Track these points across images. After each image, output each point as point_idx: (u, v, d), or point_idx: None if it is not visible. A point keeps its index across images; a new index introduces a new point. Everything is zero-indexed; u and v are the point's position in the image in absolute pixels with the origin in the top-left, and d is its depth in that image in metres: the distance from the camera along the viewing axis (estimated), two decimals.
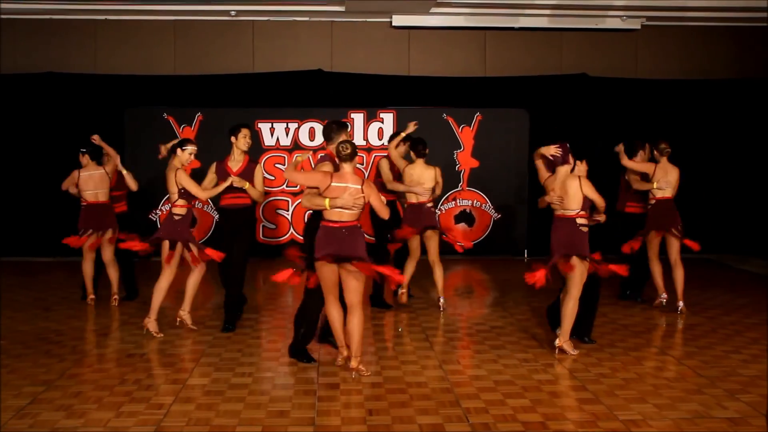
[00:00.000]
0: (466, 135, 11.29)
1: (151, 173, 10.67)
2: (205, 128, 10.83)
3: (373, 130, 11.10)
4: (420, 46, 11.57)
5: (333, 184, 5.39)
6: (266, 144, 11.03)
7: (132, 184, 7.97)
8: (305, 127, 11.07)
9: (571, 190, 5.94)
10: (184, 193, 6.50)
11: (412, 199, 7.48)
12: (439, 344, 6.42)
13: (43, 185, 10.78)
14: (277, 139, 11.06)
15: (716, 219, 11.55)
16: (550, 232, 6.10)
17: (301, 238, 7.38)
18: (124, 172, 7.88)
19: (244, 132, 6.89)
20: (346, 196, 5.36)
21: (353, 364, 5.47)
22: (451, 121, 11.27)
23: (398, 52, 11.56)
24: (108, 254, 7.80)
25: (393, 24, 11.29)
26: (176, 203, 6.54)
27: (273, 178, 11.01)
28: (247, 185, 6.65)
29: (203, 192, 6.54)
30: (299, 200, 6.07)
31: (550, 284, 6.07)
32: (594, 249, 6.03)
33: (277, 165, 11.05)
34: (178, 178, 6.46)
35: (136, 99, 11.04)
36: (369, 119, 11.14)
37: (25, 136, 10.97)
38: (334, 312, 5.59)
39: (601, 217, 6.07)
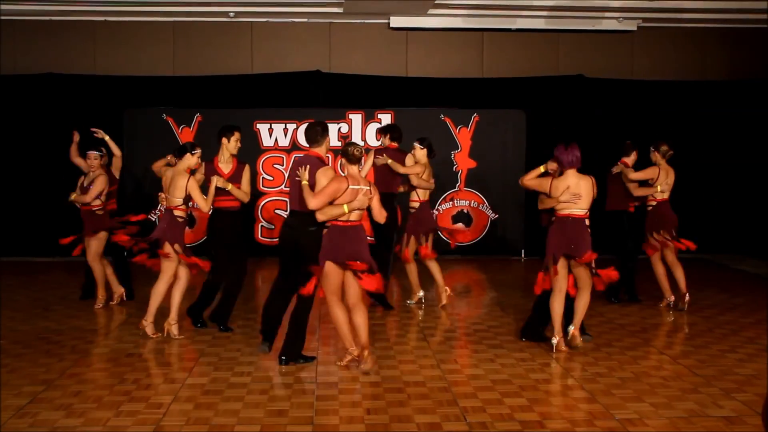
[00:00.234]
0: (463, 136, 11.32)
1: (150, 174, 10.68)
2: (204, 129, 10.84)
3: (371, 131, 11.12)
4: (418, 47, 11.61)
5: (351, 187, 5.49)
6: (265, 145, 11.06)
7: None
8: (303, 128, 11.06)
9: (584, 189, 6.02)
10: (188, 198, 6.49)
11: (421, 197, 7.60)
12: (436, 344, 6.44)
13: (43, 186, 10.80)
14: (276, 139, 11.09)
15: (712, 219, 11.61)
16: (552, 231, 6.11)
17: None
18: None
19: (237, 136, 6.80)
20: (362, 197, 5.51)
21: (366, 354, 5.58)
22: (448, 121, 11.31)
23: (396, 53, 11.59)
24: (92, 253, 7.68)
25: (391, 25, 11.32)
26: (179, 206, 6.49)
27: (271, 178, 11.04)
28: (230, 186, 6.58)
29: (207, 205, 6.45)
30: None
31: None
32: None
33: (275, 166, 11.07)
34: (190, 186, 6.39)
35: (135, 100, 11.06)
36: (367, 120, 11.17)
37: (25, 137, 10.98)
38: (340, 313, 5.63)
39: None
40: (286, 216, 5.86)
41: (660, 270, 7.81)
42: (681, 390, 5.21)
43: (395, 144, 7.67)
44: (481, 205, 11.44)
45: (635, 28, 11.47)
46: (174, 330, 6.56)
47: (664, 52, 11.82)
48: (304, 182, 5.54)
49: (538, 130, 11.21)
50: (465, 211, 11.44)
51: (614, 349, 6.29)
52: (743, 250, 11.53)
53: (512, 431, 4.47)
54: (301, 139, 11.01)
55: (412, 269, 7.81)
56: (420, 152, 7.56)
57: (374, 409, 4.82)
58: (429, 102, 11.34)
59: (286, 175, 6.03)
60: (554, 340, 6.09)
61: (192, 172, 6.60)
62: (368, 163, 7.45)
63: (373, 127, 11.14)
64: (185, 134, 10.97)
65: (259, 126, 11.04)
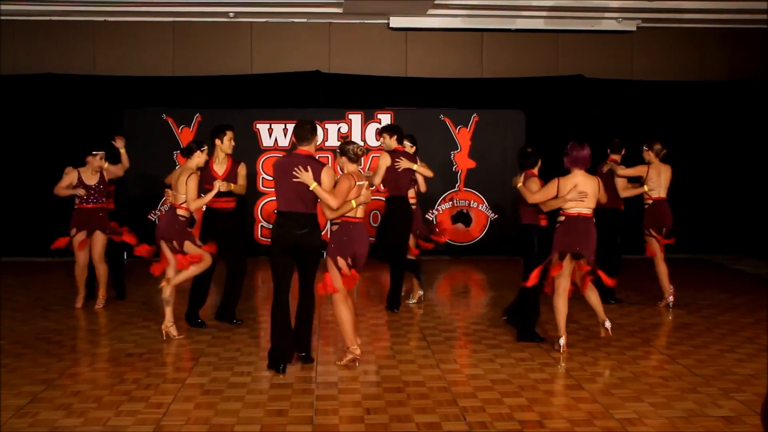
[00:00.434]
0: (463, 136, 11.34)
1: (150, 174, 10.70)
2: (204, 129, 10.84)
3: (371, 131, 11.14)
4: (417, 47, 11.62)
5: (357, 183, 5.58)
6: (264, 145, 11.07)
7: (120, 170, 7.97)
8: (292, 127, 11.10)
9: (591, 188, 6.09)
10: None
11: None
12: (436, 343, 6.45)
13: (42, 186, 10.77)
14: (275, 139, 11.10)
15: (710, 219, 11.64)
16: (561, 229, 6.12)
17: None
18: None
19: (230, 135, 6.81)
20: (366, 193, 5.63)
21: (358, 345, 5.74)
22: (448, 122, 11.32)
23: (396, 53, 11.60)
24: (96, 253, 7.68)
25: (390, 25, 11.33)
26: (182, 205, 6.46)
27: (271, 178, 10.99)
28: (232, 187, 6.62)
29: (194, 203, 6.40)
30: None
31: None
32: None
33: None
34: (188, 181, 6.38)
35: (135, 100, 11.07)
36: (367, 120, 11.18)
37: (25, 137, 10.99)
38: (346, 311, 5.68)
39: None
40: (280, 220, 5.62)
41: (662, 270, 7.87)
42: (680, 390, 5.22)
43: (401, 146, 7.62)
44: (480, 205, 11.45)
45: (635, 29, 11.49)
46: (172, 331, 6.56)
47: (663, 53, 11.83)
48: (314, 185, 5.48)
49: (538, 130, 11.23)
50: (464, 211, 11.45)
51: (613, 349, 6.30)
52: (742, 250, 11.55)
53: (512, 431, 4.48)
54: None
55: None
56: (411, 150, 7.65)
57: (374, 408, 4.83)
58: (428, 102, 11.35)
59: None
60: (562, 341, 6.12)
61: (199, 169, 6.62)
62: (404, 164, 7.48)
63: (372, 128, 11.15)
64: (185, 134, 10.98)
65: (258, 126, 11.05)
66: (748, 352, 6.18)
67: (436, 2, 10.22)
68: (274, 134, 11.07)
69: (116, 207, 8.24)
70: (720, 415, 4.73)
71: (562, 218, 6.18)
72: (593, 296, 6.26)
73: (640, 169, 7.85)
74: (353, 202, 5.56)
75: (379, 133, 7.82)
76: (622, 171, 7.83)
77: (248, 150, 10.61)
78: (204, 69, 11.27)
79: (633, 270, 8.95)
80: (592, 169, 7.85)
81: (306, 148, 5.65)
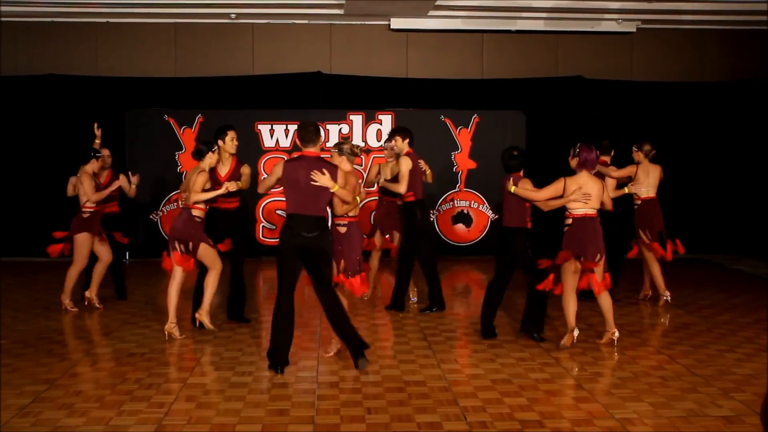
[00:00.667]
0: (463, 136, 11.36)
1: (152, 175, 10.73)
2: (205, 130, 10.88)
3: (372, 132, 11.17)
4: (418, 48, 11.64)
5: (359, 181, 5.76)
6: (266, 145, 11.10)
7: (131, 190, 7.94)
8: (296, 129, 11.12)
9: (595, 190, 6.13)
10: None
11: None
12: (437, 343, 6.46)
13: (44, 186, 10.83)
14: (277, 140, 11.12)
15: (709, 219, 11.67)
16: (571, 231, 6.16)
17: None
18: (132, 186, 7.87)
19: (231, 135, 6.83)
20: (363, 191, 5.86)
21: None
22: (448, 122, 11.34)
23: (396, 54, 11.62)
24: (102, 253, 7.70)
25: (391, 27, 11.35)
26: (196, 205, 6.48)
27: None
28: (239, 186, 6.65)
29: (195, 195, 6.39)
30: None
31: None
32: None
33: (276, 167, 11.09)
34: (198, 177, 6.40)
35: (136, 101, 11.09)
36: (368, 121, 11.21)
37: (27, 138, 11.01)
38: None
39: None
40: (290, 223, 5.58)
41: (656, 270, 7.94)
42: (680, 389, 5.23)
43: (411, 149, 7.62)
44: (481, 206, 11.47)
45: (634, 30, 11.51)
46: (175, 332, 6.58)
47: (663, 54, 11.85)
48: (336, 187, 5.53)
49: (538, 131, 11.26)
50: (465, 211, 11.48)
51: (614, 348, 6.31)
52: (741, 250, 11.57)
53: (512, 430, 4.49)
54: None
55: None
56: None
57: (375, 408, 4.84)
58: (429, 103, 11.38)
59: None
60: (576, 332, 6.26)
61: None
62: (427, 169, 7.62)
63: (373, 128, 11.18)
64: (187, 135, 11.01)
65: (260, 127, 11.08)
66: (748, 352, 6.19)
67: (436, 4, 10.24)
68: (276, 135, 11.10)
69: (120, 208, 8.26)
70: (720, 415, 4.74)
71: (570, 221, 6.21)
72: (606, 302, 6.31)
73: (630, 169, 7.93)
74: (358, 198, 5.71)
75: (391, 135, 7.71)
76: (615, 173, 7.86)
77: (250, 151, 10.64)
78: (206, 70, 11.29)
79: (633, 270, 8.96)
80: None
81: (312, 150, 5.64)
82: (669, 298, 7.97)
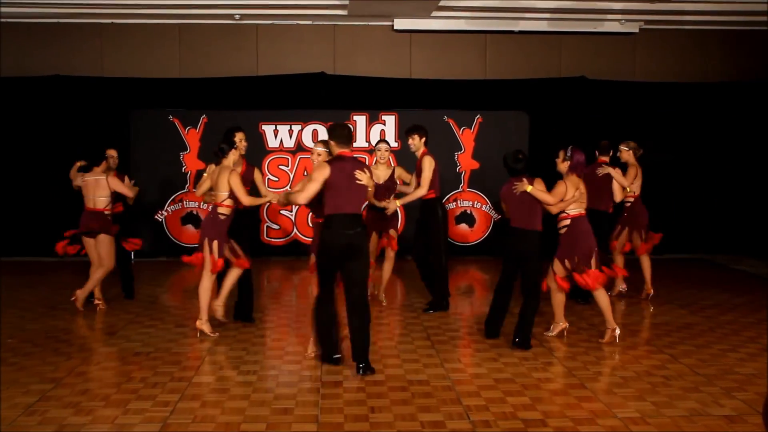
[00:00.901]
0: (466, 137, 11.38)
1: (156, 175, 10.78)
2: (210, 130, 10.92)
3: (375, 132, 11.19)
4: (421, 49, 11.65)
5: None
6: (270, 146, 11.13)
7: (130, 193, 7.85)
8: (308, 129, 11.17)
9: (583, 189, 6.35)
10: (233, 194, 6.51)
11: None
12: (440, 343, 6.49)
13: (50, 186, 10.89)
14: (281, 141, 11.15)
15: (711, 219, 11.68)
16: (569, 233, 6.29)
17: (309, 239, 7.36)
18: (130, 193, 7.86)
19: (240, 136, 6.83)
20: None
21: None
22: (452, 123, 11.37)
23: (400, 55, 11.63)
24: (102, 254, 7.66)
25: (395, 27, 11.37)
26: (223, 203, 6.52)
27: (277, 179, 11.10)
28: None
29: (248, 199, 6.46)
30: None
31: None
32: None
33: (281, 167, 11.14)
34: (232, 180, 6.43)
35: (141, 101, 11.12)
36: (371, 121, 11.23)
37: (32, 138, 11.06)
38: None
39: None
40: (332, 223, 5.60)
41: (646, 263, 8.21)
42: (682, 389, 5.25)
43: (426, 148, 7.66)
44: (484, 206, 11.50)
45: (637, 30, 11.51)
46: (206, 328, 6.64)
47: (665, 54, 11.85)
48: (372, 186, 5.79)
49: (541, 131, 11.27)
50: (468, 211, 11.50)
51: (616, 348, 6.33)
52: (743, 251, 11.58)
53: (515, 429, 4.51)
54: (306, 141, 11.07)
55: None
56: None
57: (378, 407, 4.87)
58: (432, 103, 11.39)
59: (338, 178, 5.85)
60: (564, 324, 6.47)
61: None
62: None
63: (377, 129, 11.21)
64: (191, 135, 11.05)
65: (264, 127, 11.12)
66: (750, 352, 6.21)
67: (439, 4, 10.26)
68: (280, 135, 11.13)
69: (123, 208, 8.27)
70: (722, 414, 4.75)
71: (567, 221, 6.30)
72: (604, 299, 6.39)
73: (632, 172, 8.05)
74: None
75: (407, 133, 7.67)
76: (624, 181, 7.93)
77: (254, 151, 10.64)
78: (210, 70, 11.31)
79: (631, 270, 8.98)
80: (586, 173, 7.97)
81: (347, 150, 5.74)
82: (650, 294, 8.27)
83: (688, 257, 11.50)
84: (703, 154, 11.65)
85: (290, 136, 11.15)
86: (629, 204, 8.13)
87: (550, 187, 6.32)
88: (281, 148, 11.15)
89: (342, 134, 5.72)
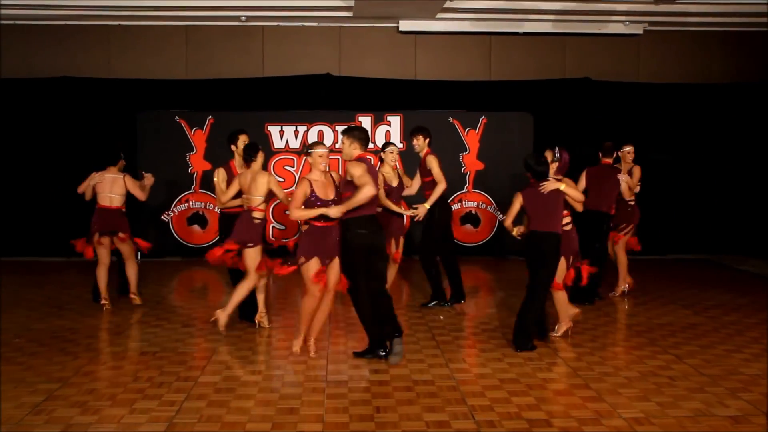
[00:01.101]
0: (471, 138, 11.40)
1: (163, 176, 10.81)
2: (216, 131, 10.97)
3: (381, 133, 11.22)
4: (426, 50, 11.68)
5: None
6: (275, 147, 11.17)
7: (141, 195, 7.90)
8: (314, 130, 11.20)
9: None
10: (268, 197, 6.57)
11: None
12: (445, 343, 6.50)
13: (57, 187, 10.96)
14: (287, 141, 11.19)
15: (716, 220, 11.68)
16: (568, 233, 6.47)
17: None
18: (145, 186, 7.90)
19: (243, 138, 6.91)
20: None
21: (311, 345, 6.06)
22: (457, 124, 11.38)
23: (405, 56, 11.67)
24: (126, 252, 7.82)
25: (400, 29, 11.40)
26: (258, 207, 6.53)
27: (282, 180, 11.14)
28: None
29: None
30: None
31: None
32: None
33: (286, 167, 11.18)
34: (271, 183, 6.46)
35: (148, 102, 11.19)
36: (376, 122, 11.26)
37: (40, 139, 11.14)
38: (312, 306, 6.03)
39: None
40: (361, 224, 5.80)
41: (624, 259, 8.30)
42: (687, 389, 5.25)
43: (430, 148, 7.70)
44: (488, 206, 11.51)
45: (641, 32, 11.52)
46: (264, 321, 6.90)
47: (669, 56, 11.86)
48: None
49: (545, 132, 11.29)
50: (473, 212, 11.52)
51: (621, 348, 6.36)
52: (747, 251, 11.57)
53: (520, 429, 4.52)
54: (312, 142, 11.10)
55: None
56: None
57: (384, 407, 4.88)
58: (437, 104, 11.42)
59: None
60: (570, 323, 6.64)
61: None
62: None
63: (382, 130, 11.24)
64: (198, 136, 11.10)
65: (270, 128, 11.15)
66: (755, 352, 6.20)
67: (444, 6, 10.28)
68: (285, 136, 11.17)
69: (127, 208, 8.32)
70: (727, 415, 4.75)
71: (569, 219, 6.47)
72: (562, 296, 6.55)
73: (636, 172, 8.18)
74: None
75: (412, 134, 7.75)
76: (637, 187, 8.18)
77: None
78: (216, 72, 11.37)
79: (635, 270, 9.00)
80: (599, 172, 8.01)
81: (365, 153, 5.93)
82: (626, 290, 8.40)
83: (693, 258, 11.50)
84: (707, 155, 11.66)
85: (296, 137, 11.19)
86: (632, 202, 8.20)
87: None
88: (287, 149, 11.19)
89: (363, 137, 5.89)
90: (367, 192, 5.62)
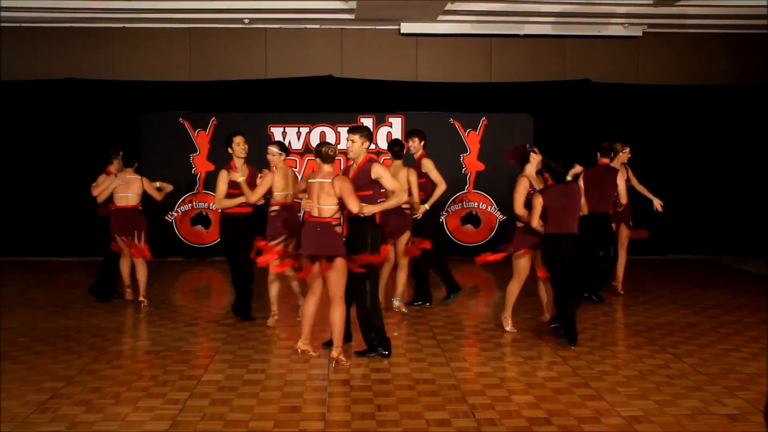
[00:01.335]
0: (472, 139, 11.45)
1: (167, 176, 10.85)
2: (219, 133, 11.01)
3: (382, 135, 11.27)
4: (428, 52, 11.73)
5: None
6: None
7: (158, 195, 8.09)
8: (316, 132, 11.25)
9: None
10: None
11: None
12: (446, 342, 6.54)
13: (62, 187, 11.02)
14: (289, 143, 11.22)
15: (716, 220, 11.71)
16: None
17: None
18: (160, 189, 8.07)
19: (237, 140, 7.00)
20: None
21: (338, 355, 5.79)
22: (457, 125, 11.43)
23: (406, 58, 11.71)
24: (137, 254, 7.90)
25: (401, 31, 11.45)
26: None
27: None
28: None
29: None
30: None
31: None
32: None
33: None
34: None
35: (152, 104, 11.24)
36: (378, 123, 11.31)
37: (45, 140, 11.20)
38: (312, 307, 6.01)
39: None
40: (376, 222, 6.02)
41: (624, 258, 8.51)
42: (685, 388, 5.27)
43: (425, 150, 7.76)
44: (489, 207, 11.55)
45: (641, 34, 11.55)
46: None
47: (668, 57, 11.89)
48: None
49: (546, 133, 11.33)
50: (474, 212, 11.57)
51: (620, 347, 6.40)
52: (747, 251, 11.59)
53: (520, 428, 4.55)
54: (314, 143, 11.13)
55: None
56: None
57: (385, 405, 4.92)
58: (438, 106, 11.46)
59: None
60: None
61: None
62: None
63: (384, 131, 11.28)
64: (201, 138, 11.16)
65: (272, 129, 11.20)
66: (753, 351, 6.23)
67: (446, 8, 10.32)
68: (288, 137, 11.21)
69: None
70: (725, 413, 4.78)
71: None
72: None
73: (629, 173, 8.35)
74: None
75: (409, 136, 7.81)
76: (639, 185, 8.40)
77: (262, 153, 10.73)
78: (219, 74, 11.42)
79: (635, 270, 9.04)
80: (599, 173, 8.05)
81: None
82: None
83: (693, 258, 11.52)
84: (708, 156, 11.69)
85: (298, 138, 11.24)
86: (626, 203, 8.22)
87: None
88: (289, 150, 11.20)
89: (371, 136, 6.09)
90: (402, 197, 6.12)
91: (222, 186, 6.97)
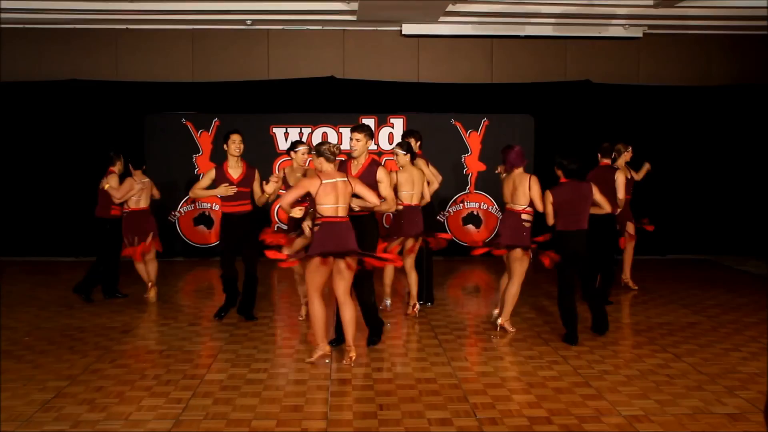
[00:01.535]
0: (473, 139, 11.48)
1: (170, 176, 10.92)
2: (222, 133, 11.01)
3: (384, 135, 11.30)
4: (429, 53, 11.76)
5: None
6: (280, 148, 11.25)
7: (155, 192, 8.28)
8: (318, 132, 11.28)
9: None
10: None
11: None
12: (447, 342, 6.56)
13: (66, 188, 11.05)
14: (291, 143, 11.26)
15: (716, 221, 11.73)
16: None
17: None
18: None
19: (233, 138, 7.05)
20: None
21: (351, 353, 5.83)
22: (459, 126, 11.46)
23: (408, 59, 11.74)
24: (150, 253, 8.11)
25: (403, 32, 11.48)
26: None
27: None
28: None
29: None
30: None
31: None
32: None
33: None
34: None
35: (155, 105, 11.27)
36: (380, 124, 11.34)
37: (49, 141, 11.23)
38: (321, 308, 5.93)
39: None
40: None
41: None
42: (686, 387, 5.30)
43: (421, 151, 7.82)
44: (490, 207, 11.58)
45: (641, 35, 11.57)
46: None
47: (669, 58, 11.91)
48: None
49: (546, 134, 11.36)
50: (475, 213, 11.60)
51: (620, 347, 6.41)
52: (747, 252, 11.61)
53: (521, 427, 4.57)
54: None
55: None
56: (404, 158, 7.52)
57: (387, 404, 4.94)
58: (440, 107, 11.49)
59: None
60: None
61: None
62: None
63: (385, 132, 11.32)
64: (204, 138, 11.19)
65: (275, 130, 11.24)
66: (753, 351, 6.25)
67: (447, 10, 10.35)
68: (290, 138, 11.23)
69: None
70: (725, 413, 4.80)
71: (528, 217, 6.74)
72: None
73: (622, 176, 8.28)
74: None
75: (405, 137, 7.82)
76: (637, 175, 8.55)
77: (265, 153, 10.85)
78: (222, 75, 11.45)
79: (636, 270, 9.05)
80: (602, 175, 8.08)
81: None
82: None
83: (694, 258, 11.54)
84: (708, 156, 11.71)
85: (300, 139, 11.24)
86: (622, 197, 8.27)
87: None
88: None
89: (373, 134, 6.27)
90: (392, 207, 6.26)
91: (205, 181, 7.07)
